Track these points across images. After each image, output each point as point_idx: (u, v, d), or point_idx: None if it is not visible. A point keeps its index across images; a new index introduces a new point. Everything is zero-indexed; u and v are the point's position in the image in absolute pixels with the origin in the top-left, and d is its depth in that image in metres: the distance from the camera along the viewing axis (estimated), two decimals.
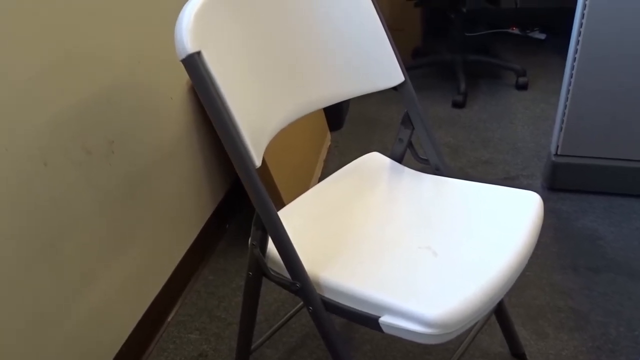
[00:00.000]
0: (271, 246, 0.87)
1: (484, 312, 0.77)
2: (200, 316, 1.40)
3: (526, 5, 3.04)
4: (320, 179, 1.08)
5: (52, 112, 0.98)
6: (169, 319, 1.40)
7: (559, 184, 1.74)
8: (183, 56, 0.74)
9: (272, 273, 0.88)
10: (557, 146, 1.69)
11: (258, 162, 0.79)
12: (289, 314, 1.26)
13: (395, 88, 1.05)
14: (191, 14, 0.74)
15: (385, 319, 0.76)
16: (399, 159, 1.13)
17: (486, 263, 0.82)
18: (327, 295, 0.83)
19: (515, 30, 3.04)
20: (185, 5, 0.76)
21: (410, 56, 2.79)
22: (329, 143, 2.11)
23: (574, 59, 1.55)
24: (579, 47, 1.52)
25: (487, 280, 0.78)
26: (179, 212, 1.44)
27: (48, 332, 1.00)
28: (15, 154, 0.90)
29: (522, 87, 2.43)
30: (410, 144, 1.11)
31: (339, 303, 0.82)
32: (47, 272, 0.99)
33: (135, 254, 1.25)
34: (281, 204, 1.50)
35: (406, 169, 1.11)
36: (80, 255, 1.07)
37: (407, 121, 1.09)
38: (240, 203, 1.79)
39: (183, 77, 1.44)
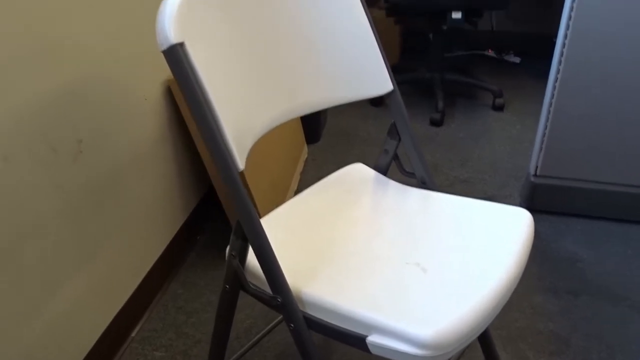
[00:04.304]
0: (251, 258, 0.81)
1: (478, 332, 0.72)
2: (167, 332, 1.32)
3: (502, 29, 3.08)
4: (297, 192, 1.03)
5: (15, 104, 0.90)
6: (133, 334, 1.31)
7: (538, 204, 1.73)
8: (165, 47, 0.68)
9: (251, 286, 0.82)
10: (537, 167, 1.68)
11: (242, 165, 0.73)
12: (262, 332, 1.19)
13: (382, 98, 1.01)
14: (176, 1, 0.69)
15: (373, 339, 0.71)
16: (384, 171, 1.09)
17: (478, 281, 0.77)
18: (310, 311, 0.77)
19: (491, 53, 3.07)
20: None
21: None
22: (305, 156, 2.06)
23: (556, 80, 1.55)
24: (561, 68, 1.52)
25: (481, 299, 0.74)
26: (149, 220, 1.36)
27: (2, 344, 0.91)
28: None
29: (499, 108, 2.44)
30: (396, 156, 1.07)
31: (322, 320, 0.76)
32: (3, 279, 0.90)
33: (99, 263, 1.17)
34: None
35: (391, 181, 1.07)
36: (41, 262, 0.99)
37: (393, 132, 1.05)
38: (213, 214, 1.72)
39: (158, 77, 1.37)
